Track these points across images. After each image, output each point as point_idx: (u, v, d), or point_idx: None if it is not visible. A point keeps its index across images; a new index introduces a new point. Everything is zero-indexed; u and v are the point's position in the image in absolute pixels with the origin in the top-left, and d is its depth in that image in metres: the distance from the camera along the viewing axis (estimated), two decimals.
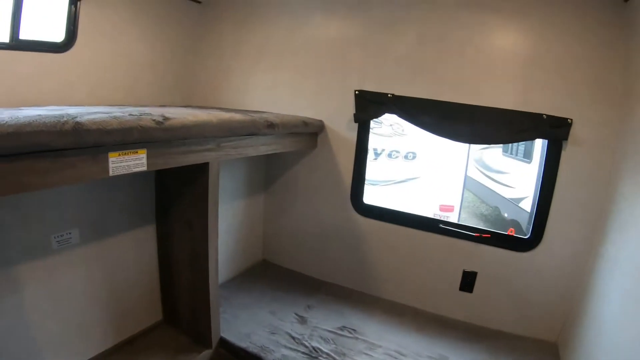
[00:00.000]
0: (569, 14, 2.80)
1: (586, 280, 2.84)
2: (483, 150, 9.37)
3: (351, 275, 3.81)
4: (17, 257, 2.26)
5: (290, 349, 2.84)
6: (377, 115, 3.53)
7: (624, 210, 2.45)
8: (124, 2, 3.34)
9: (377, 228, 3.62)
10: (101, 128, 1.71)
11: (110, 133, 1.76)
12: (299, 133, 3.43)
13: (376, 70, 3.40)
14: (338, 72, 3.53)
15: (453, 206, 7.27)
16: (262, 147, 3.05)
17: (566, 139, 2.87)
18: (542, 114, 2.88)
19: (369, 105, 3.40)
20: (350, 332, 3.08)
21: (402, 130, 7.28)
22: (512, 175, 8.23)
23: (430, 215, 6.16)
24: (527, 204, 7.09)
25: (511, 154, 8.38)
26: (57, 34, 3.00)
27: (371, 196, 3.85)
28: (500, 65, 3.02)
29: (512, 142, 6.44)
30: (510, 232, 4.44)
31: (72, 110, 1.91)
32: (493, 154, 9.13)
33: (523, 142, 7.26)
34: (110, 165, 1.88)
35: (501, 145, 8.17)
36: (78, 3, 3.00)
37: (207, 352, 2.88)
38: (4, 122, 1.44)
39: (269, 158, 4.04)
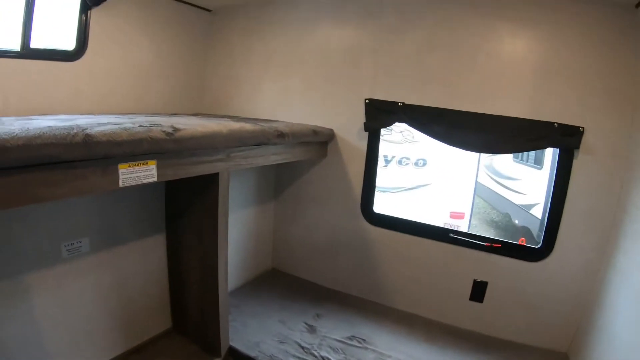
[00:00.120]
0: (580, 22, 2.77)
1: (597, 290, 2.81)
2: (493, 156, 9.31)
3: (361, 284, 3.78)
4: (27, 266, 2.27)
5: (300, 358, 2.82)
6: (388, 124, 3.52)
7: (636, 220, 2.43)
8: (134, 11, 3.36)
9: (387, 237, 3.60)
10: (111, 140, 1.72)
11: (120, 145, 1.77)
12: (309, 142, 3.42)
13: (386, 79, 3.39)
14: (348, 80, 3.53)
15: (464, 213, 7.22)
16: (273, 156, 3.04)
17: (578, 147, 2.83)
18: (554, 123, 2.85)
19: (379, 114, 3.39)
20: (359, 342, 3.05)
21: (413, 137, 7.25)
22: (522, 182, 8.17)
23: (440, 223, 6.13)
24: (538, 211, 7.04)
25: (522, 160, 8.32)
26: (68, 43, 3.03)
27: (381, 204, 3.84)
28: (511, 73, 3.00)
29: (523, 151, 6.38)
30: (522, 241, 4.39)
31: (82, 121, 1.92)
32: (504, 160, 9.05)
33: None
34: (120, 176, 1.89)
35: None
36: (89, 12, 3.04)
37: None
38: (14, 134, 1.44)
39: (279, 167, 4.03)
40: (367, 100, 3.42)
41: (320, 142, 3.59)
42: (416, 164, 7.42)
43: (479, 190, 8.68)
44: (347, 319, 3.36)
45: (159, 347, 2.97)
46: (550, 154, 5.64)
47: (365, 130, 3.45)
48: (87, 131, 1.66)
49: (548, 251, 3.02)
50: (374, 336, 3.14)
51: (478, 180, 7.87)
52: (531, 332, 3.15)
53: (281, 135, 2.88)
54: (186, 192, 2.83)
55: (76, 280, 2.54)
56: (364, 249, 3.71)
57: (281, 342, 2.98)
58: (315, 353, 2.88)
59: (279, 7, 3.77)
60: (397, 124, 3.51)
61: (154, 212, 3.00)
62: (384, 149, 3.53)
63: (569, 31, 2.81)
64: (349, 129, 3.57)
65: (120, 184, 1.90)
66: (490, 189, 9.76)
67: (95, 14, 3.06)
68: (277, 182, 4.16)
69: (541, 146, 3.06)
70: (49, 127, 1.60)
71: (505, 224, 8.90)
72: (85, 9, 3.02)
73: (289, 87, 3.82)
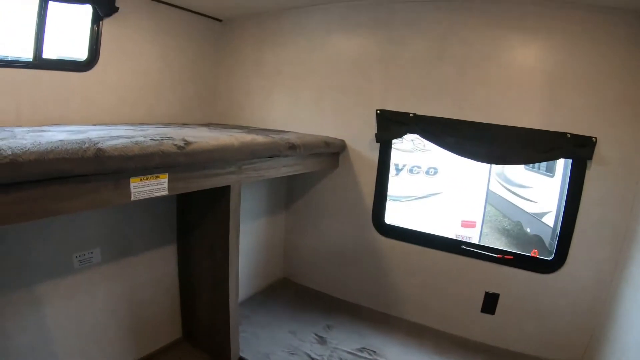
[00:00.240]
0: (592, 30, 2.75)
1: (610, 302, 2.78)
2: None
3: (372, 295, 3.76)
4: (39, 276, 2.29)
5: None
6: (399, 135, 3.49)
7: None
8: (145, 22, 3.40)
9: (398, 248, 3.58)
10: (123, 154, 1.73)
11: (131, 159, 1.77)
12: (321, 153, 3.42)
13: (397, 89, 3.38)
14: (359, 91, 3.52)
15: (475, 222, 7.15)
16: (284, 168, 3.04)
17: (590, 158, 2.80)
18: (566, 133, 2.83)
19: (391, 125, 3.38)
20: (370, 354, 3.03)
21: (424, 146, 7.21)
22: (534, 190, 8.10)
23: (452, 233, 6.09)
24: (550, 219, 6.98)
25: (533, 167, 8.26)
26: (80, 53, 3.06)
27: (393, 213, 3.81)
28: (523, 83, 2.98)
29: (536, 162, 6.29)
30: (534, 253, 4.34)
31: (93, 134, 1.93)
32: (515, 167, 8.99)
33: None
34: (132, 190, 1.90)
35: None
36: (101, 22, 3.07)
37: None
38: (26, 148, 1.45)
39: (290, 177, 4.01)
40: (378, 111, 3.41)
41: (332, 153, 3.58)
42: (427, 172, 7.38)
43: (491, 198, 8.62)
44: (358, 330, 3.34)
45: (169, 357, 2.98)
46: (562, 162, 5.59)
47: (377, 142, 3.44)
48: (99, 145, 1.66)
49: (560, 263, 2.99)
50: (384, 348, 3.12)
51: (489, 188, 7.80)
52: (543, 344, 3.11)
53: (293, 147, 2.87)
54: (198, 203, 2.84)
55: (87, 290, 2.56)
56: (374, 260, 3.69)
57: (291, 354, 2.97)
58: None
59: (289, 18, 3.78)
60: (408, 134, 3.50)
61: (165, 223, 3.01)
62: (395, 157, 3.49)
63: (580, 40, 2.79)
64: (361, 139, 3.56)
65: (132, 198, 1.91)
66: (501, 196, 9.70)
67: (107, 24, 3.10)
68: (288, 193, 4.16)
69: (553, 157, 3.04)
70: (61, 141, 1.61)
71: (517, 233, 8.84)
72: (97, 19, 3.05)
73: (300, 97, 3.83)
